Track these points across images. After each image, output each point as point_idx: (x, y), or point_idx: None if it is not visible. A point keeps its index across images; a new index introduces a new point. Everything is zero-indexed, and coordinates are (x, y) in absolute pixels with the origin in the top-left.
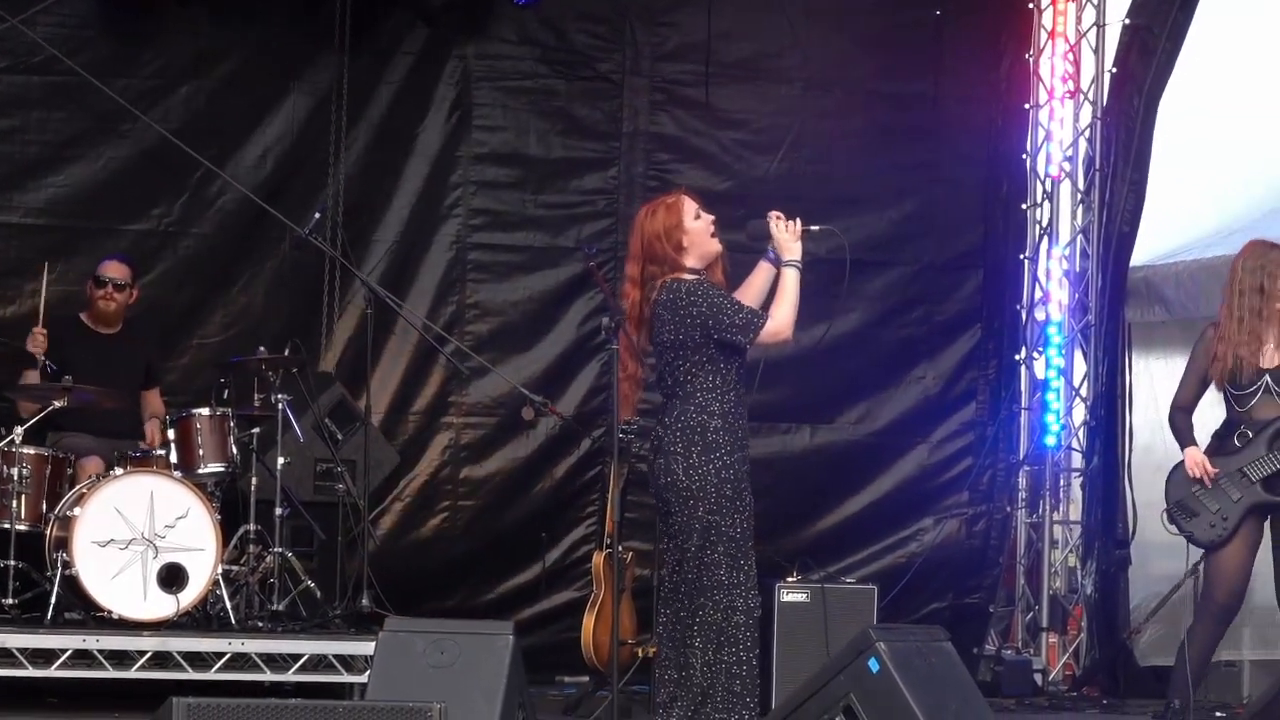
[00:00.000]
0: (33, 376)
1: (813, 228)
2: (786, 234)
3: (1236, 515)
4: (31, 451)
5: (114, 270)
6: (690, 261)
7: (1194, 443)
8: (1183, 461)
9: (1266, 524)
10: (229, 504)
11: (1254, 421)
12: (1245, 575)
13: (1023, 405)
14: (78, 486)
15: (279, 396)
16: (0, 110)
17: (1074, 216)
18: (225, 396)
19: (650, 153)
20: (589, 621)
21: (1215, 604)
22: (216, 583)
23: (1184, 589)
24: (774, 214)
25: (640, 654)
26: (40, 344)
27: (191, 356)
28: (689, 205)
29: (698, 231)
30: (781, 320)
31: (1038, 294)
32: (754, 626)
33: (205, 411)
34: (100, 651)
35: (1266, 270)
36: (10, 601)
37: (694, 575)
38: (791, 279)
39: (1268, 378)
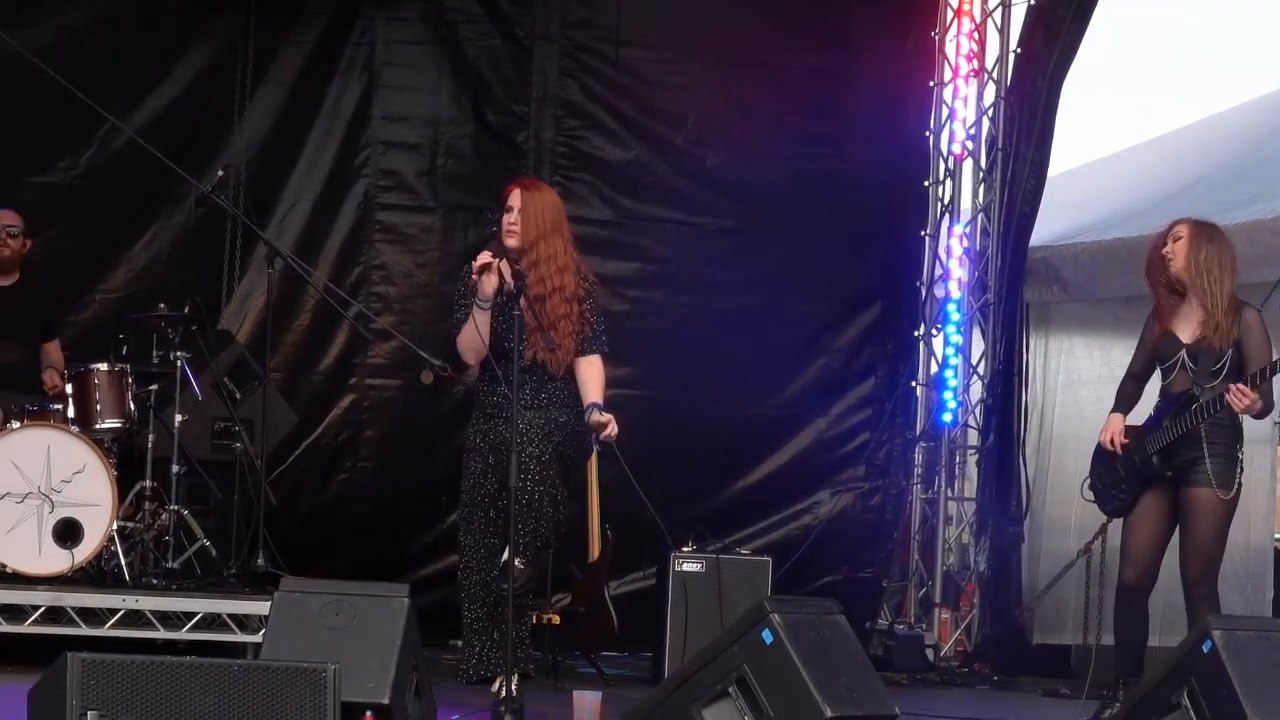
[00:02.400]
0: None
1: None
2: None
3: (1135, 485)
4: None
5: (7, 218)
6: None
7: (1119, 410)
8: None
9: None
10: (126, 460)
11: (1168, 395)
12: (1152, 553)
13: (920, 382)
14: None
15: (178, 354)
16: None
17: (975, 195)
18: (124, 352)
19: (560, 118)
20: None
21: (1121, 581)
22: (112, 539)
23: (1076, 567)
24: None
25: (536, 620)
26: None
27: (93, 311)
28: (509, 197)
29: (503, 222)
30: (457, 342)
31: (938, 271)
32: (478, 587)
33: (104, 367)
34: None
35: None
36: None
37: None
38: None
39: (1184, 353)
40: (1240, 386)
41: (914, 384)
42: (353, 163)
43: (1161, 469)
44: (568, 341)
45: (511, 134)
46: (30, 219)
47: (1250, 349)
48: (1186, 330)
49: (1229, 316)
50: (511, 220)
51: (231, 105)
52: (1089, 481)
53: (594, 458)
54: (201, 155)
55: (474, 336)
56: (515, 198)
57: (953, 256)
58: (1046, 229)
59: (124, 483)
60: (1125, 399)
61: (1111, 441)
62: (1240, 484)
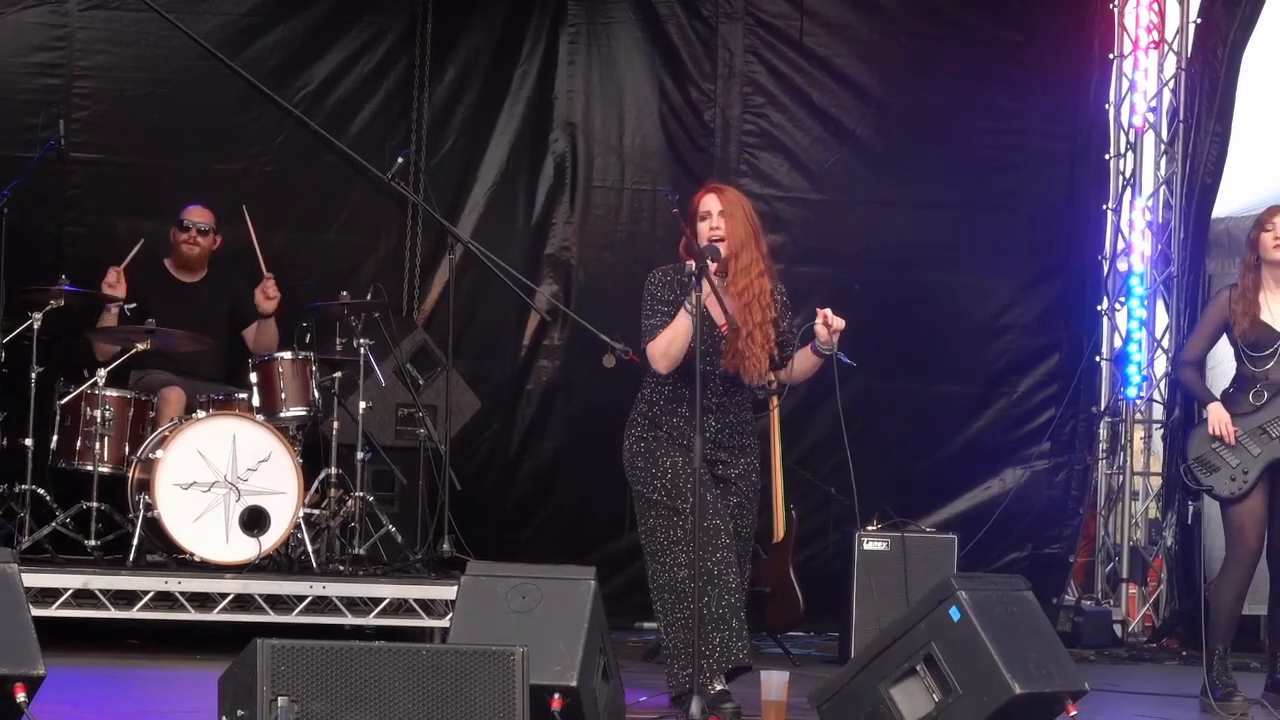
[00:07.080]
0: (110, 319)
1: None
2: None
3: (1256, 470)
4: (114, 394)
5: (198, 215)
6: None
7: (1215, 398)
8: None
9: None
10: (310, 448)
11: (1271, 381)
12: (1264, 523)
13: (1104, 356)
14: (160, 429)
15: (361, 341)
16: (94, 47)
17: (1157, 167)
18: (308, 340)
19: (747, 95)
20: None
21: (1248, 551)
22: (298, 526)
23: None
24: (822, 314)
25: None
26: (115, 286)
27: (280, 299)
28: (703, 203)
29: (700, 231)
30: (650, 349)
31: (1120, 245)
32: (701, 579)
33: (287, 355)
34: (182, 593)
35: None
36: (93, 543)
37: (645, 543)
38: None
39: None
40: None
41: (1098, 359)
42: (538, 145)
43: None
44: (762, 352)
45: (700, 112)
46: (218, 207)
47: None
48: (1273, 317)
49: None
50: (714, 225)
51: (413, 89)
52: (1186, 469)
53: (776, 435)
54: (389, 142)
55: (674, 342)
56: (712, 201)
57: (1135, 230)
58: (1229, 200)
59: (309, 470)
60: (1205, 387)
61: (1226, 433)
62: None
